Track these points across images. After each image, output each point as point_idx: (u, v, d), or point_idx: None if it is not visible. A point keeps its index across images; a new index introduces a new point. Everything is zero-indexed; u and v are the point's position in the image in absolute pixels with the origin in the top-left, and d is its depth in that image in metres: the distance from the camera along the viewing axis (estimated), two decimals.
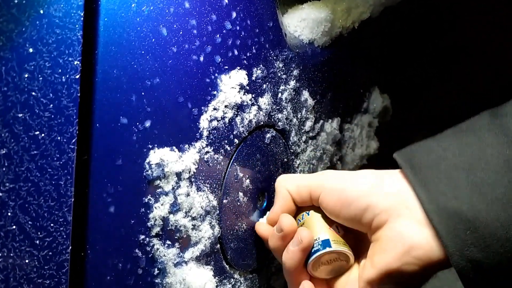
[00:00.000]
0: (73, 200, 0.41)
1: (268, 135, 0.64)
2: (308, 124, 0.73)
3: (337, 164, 0.87)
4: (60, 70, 0.40)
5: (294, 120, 0.70)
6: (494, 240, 0.43)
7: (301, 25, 0.73)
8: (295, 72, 0.68)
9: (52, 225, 0.40)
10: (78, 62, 0.41)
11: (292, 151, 0.71)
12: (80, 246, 0.42)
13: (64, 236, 0.41)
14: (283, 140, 0.68)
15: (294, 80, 0.68)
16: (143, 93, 0.46)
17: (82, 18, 0.41)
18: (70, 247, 0.41)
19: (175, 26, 0.49)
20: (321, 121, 0.78)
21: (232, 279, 0.60)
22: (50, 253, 0.40)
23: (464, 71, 1.79)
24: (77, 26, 0.41)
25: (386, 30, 1.12)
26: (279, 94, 0.66)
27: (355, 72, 0.93)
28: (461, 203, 0.45)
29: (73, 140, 0.41)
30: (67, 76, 0.40)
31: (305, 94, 0.71)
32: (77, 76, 0.41)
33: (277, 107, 0.65)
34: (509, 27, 1.62)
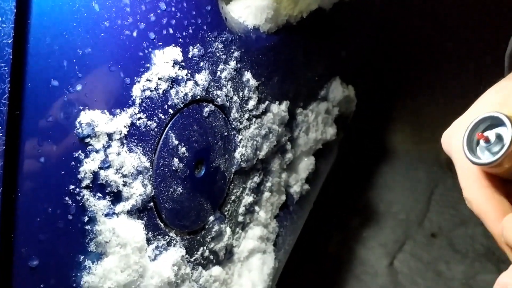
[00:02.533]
0: (4, 148, 0.47)
1: (207, 109, 0.70)
2: (251, 103, 0.80)
3: (286, 144, 0.93)
4: None
5: (235, 98, 0.76)
6: None
7: (245, 11, 0.80)
8: (236, 54, 0.75)
9: None
10: (11, 29, 0.47)
11: (233, 126, 0.77)
12: (10, 189, 0.48)
13: None
14: (223, 115, 0.74)
15: (235, 61, 0.75)
16: (74, 60, 0.53)
17: None
18: (1, 189, 0.47)
19: (107, 3, 0.56)
20: (267, 102, 0.84)
21: (167, 237, 0.66)
22: None
23: (444, 66, 1.85)
24: None
25: (346, 23, 1.18)
26: (218, 73, 0.72)
27: (309, 61, 0.99)
28: None
29: (5, 96, 0.47)
30: (0, 40, 0.47)
31: (247, 75, 0.78)
32: (10, 41, 0.47)
33: (216, 84, 0.72)
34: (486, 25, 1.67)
